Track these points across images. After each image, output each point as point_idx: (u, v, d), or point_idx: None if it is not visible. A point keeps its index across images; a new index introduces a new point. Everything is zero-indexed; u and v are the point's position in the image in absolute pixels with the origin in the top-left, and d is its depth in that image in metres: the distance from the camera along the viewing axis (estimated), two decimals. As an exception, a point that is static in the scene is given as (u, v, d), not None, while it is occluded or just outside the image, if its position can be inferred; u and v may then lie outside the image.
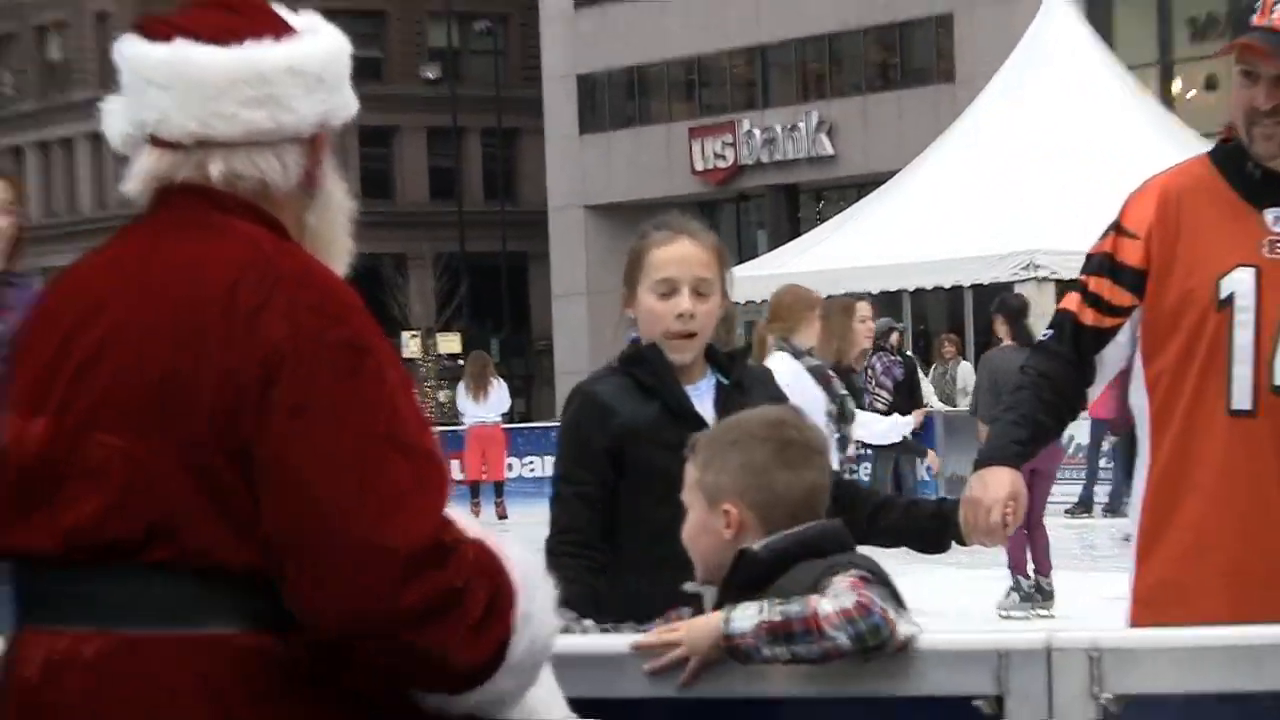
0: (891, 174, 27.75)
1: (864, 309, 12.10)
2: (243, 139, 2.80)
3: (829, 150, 51.08)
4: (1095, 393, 4.55)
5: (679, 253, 4.44)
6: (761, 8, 53.85)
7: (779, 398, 4.50)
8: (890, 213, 26.44)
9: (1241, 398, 4.25)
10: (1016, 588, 13.42)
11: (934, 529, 4.43)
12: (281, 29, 2.88)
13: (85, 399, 2.76)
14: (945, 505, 4.44)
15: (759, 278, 23.04)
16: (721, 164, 54.30)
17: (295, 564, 2.67)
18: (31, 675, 2.74)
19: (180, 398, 2.69)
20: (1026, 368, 4.58)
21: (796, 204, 52.43)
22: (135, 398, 2.72)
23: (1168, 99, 36.64)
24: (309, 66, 2.84)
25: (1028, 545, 13.60)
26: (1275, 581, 4.14)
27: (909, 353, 22.06)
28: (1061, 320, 4.50)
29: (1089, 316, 4.42)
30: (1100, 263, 4.44)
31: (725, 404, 4.35)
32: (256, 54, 2.81)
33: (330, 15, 3.05)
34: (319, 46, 2.89)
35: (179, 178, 2.81)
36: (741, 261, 28.93)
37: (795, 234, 41.13)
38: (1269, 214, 4.30)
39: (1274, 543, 4.20)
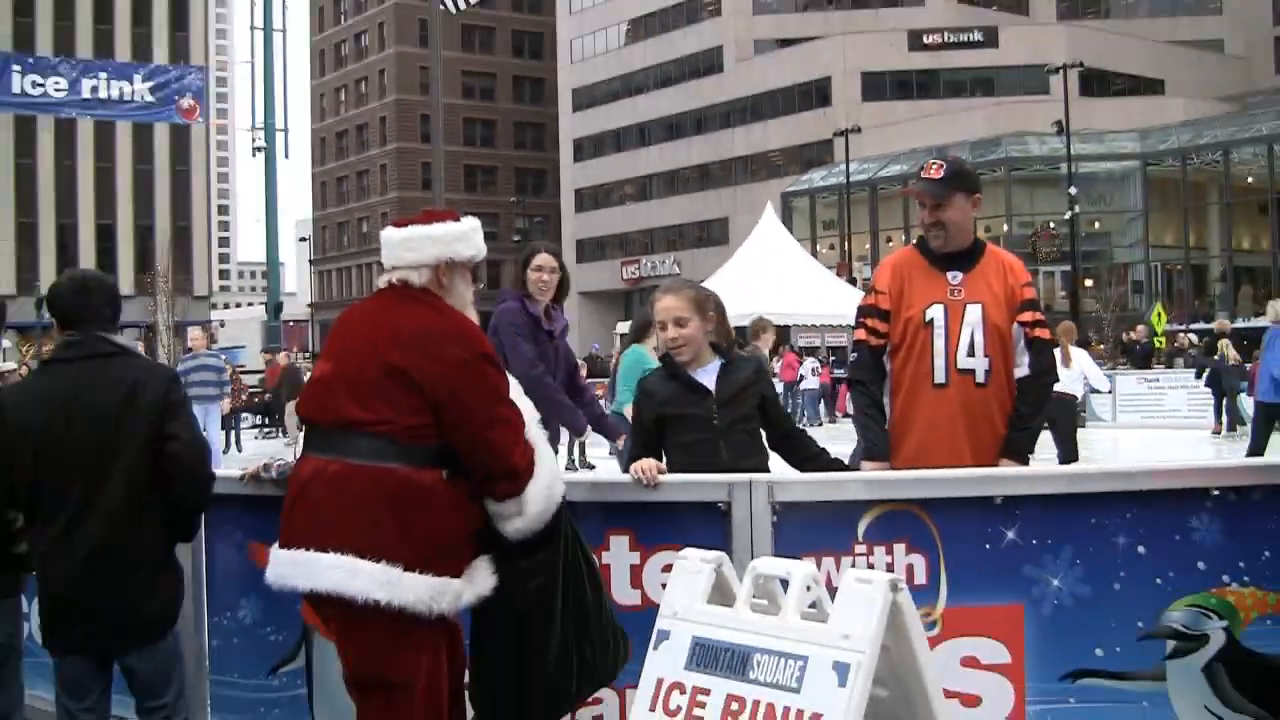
0: (702, 287, 31.91)
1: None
2: (405, 265, 3.24)
3: (679, 271, 58.62)
4: (886, 384, 4.28)
5: (662, 305, 4.20)
6: (651, 215, 64.88)
7: (756, 371, 4.24)
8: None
9: (940, 376, 4.17)
10: None
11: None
12: (444, 221, 3.26)
13: (341, 367, 3.19)
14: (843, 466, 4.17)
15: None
16: (633, 276, 64.58)
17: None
18: (305, 476, 3.09)
19: (387, 375, 3.10)
20: (856, 384, 4.34)
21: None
22: (361, 374, 3.13)
23: (814, 255, 40.80)
24: (433, 235, 3.22)
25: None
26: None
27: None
28: (860, 347, 4.31)
29: (873, 341, 4.28)
30: (869, 310, 4.30)
31: (722, 376, 4.14)
32: (412, 231, 3.23)
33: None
34: (444, 229, 3.24)
35: (385, 281, 3.27)
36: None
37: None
38: (950, 275, 4.21)
39: (962, 463, 4.05)
